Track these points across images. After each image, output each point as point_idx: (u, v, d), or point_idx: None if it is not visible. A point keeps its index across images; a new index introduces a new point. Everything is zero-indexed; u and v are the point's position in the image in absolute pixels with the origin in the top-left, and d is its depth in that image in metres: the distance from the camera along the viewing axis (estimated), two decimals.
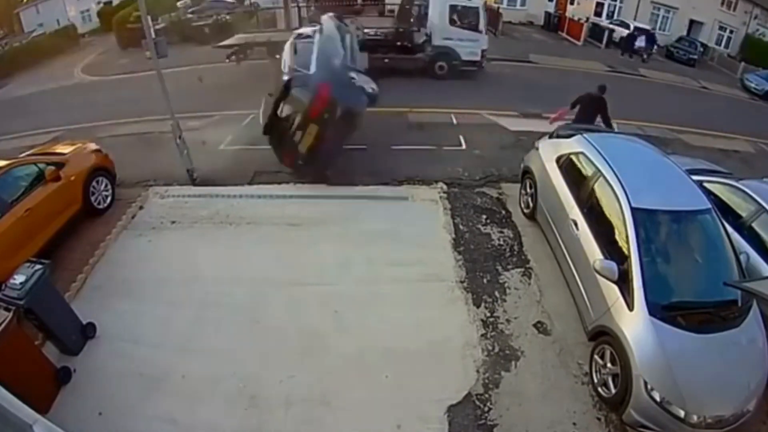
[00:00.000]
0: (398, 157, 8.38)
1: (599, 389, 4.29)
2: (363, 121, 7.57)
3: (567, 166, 5.81)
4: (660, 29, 23.87)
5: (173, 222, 6.67)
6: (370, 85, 7.80)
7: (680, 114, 12.47)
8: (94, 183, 6.69)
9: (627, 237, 4.37)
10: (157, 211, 6.92)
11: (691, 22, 24.78)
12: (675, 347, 3.83)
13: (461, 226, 6.58)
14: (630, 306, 4.09)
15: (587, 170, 5.38)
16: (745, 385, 3.79)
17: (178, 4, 23.67)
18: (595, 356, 4.39)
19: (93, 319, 4.83)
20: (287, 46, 8.64)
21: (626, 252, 4.33)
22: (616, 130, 8.03)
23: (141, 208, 6.98)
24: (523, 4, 24.96)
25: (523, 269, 5.85)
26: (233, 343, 4.75)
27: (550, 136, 6.80)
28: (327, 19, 9.60)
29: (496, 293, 5.47)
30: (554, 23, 23.63)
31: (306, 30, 9.60)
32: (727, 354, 3.87)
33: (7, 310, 3.88)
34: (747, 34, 24.21)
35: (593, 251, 4.72)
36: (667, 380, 3.71)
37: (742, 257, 4.53)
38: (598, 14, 24.42)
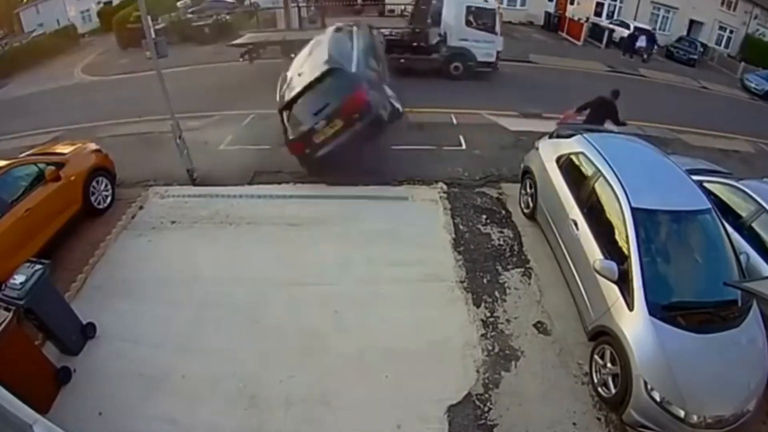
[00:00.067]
0: (398, 157, 8.38)
1: (599, 389, 4.29)
2: (383, 136, 7.55)
3: (567, 166, 5.81)
4: (660, 29, 23.86)
5: (173, 222, 6.67)
6: (397, 102, 7.76)
7: (680, 114, 12.48)
8: (94, 183, 6.69)
9: (627, 237, 4.37)
10: (157, 211, 6.92)
11: (691, 22, 24.77)
12: (675, 347, 3.83)
13: (461, 226, 6.58)
14: (630, 306, 4.09)
15: (587, 170, 5.37)
16: (745, 385, 3.79)
17: (178, 4, 23.69)
18: (595, 356, 4.39)
19: (93, 319, 4.84)
20: (328, 37, 8.44)
21: (626, 252, 4.33)
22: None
23: (141, 208, 6.98)
24: (523, 4, 24.94)
25: (523, 269, 5.84)
26: (233, 343, 4.75)
27: (550, 136, 6.81)
28: (363, 26, 9.51)
29: (496, 293, 5.47)
30: (554, 23, 23.61)
31: (344, 26, 9.46)
32: (727, 354, 3.87)
33: (7, 310, 3.88)
34: (747, 34, 24.21)
35: (593, 251, 4.72)
36: (667, 380, 3.71)
37: (742, 257, 4.53)
38: (598, 14, 24.41)
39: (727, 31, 24.76)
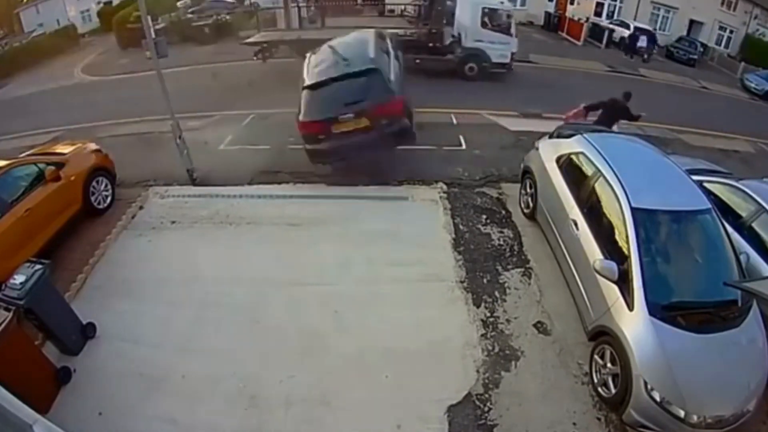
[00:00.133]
0: (398, 157, 8.37)
1: (599, 389, 4.29)
2: (394, 152, 7.57)
3: (567, 166, 5.81)
4: (660, 29, 23.85)
5: (173, 222, 6.67)
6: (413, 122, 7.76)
7: (680, 114, 12.48)
8: (94, 183, 6.70)
9: (627, 237, 4.36)
10: (157, 211, 6.92)
11: (691, 22, 24.76)
12: (675, 347, 3.82)
13: (461, 226, 6.58)
14: (630, 306, 4.09)
15: (587, 170, 5.37)
16: (745, 385, 3.78)
17: (178, 4, 23.71)
18: (595, 356, 4.39)
19: (93, 319, 4.84)
20: (372, 38, 8.27)
21: (626, 252, 4.32)
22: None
23: (141, 208, 6.99)
24: (523, 4, 24.91)
25: (523, 269, 5.84)
26: (233, 343, 4.75)
27: (550, 136, 6.81)
28: (391, 37, 9.37)
29: (496, 293, 5.46)
30: (554, 23, 23.61)
31: (381, 32, 9.27)
32: (727, 354, 3.87)
33: (7, 310, 3.89)
34: (747, 34, 24.19)
35: (593, 251, 4.72)
36: (667, 380, 3.71)
37: (742, 257, 4.53)
38: (598, 14, 24.40)
39: (727, 31, 24.75)
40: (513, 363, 4.63)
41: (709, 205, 4.71)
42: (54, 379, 4.25)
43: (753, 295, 4.01)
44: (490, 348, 4.76)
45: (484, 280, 5.63)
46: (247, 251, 6.04)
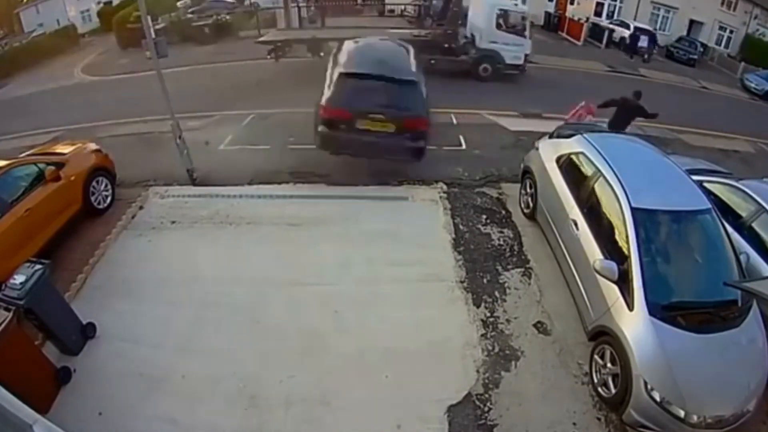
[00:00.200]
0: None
1: (599, 389, 4.29)
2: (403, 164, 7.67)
3: (567, 166, 5.81)
4: (660, 29, 23.88)
5: (173, 222, 6.67)
6: None
7: (680, 114, 12.47)
8: (94, 183, 6.69)
9: (627, 237, 4.37)
10: (157, 211, 6.92)
11: (691, 22, 24.78)
12: (675, 347, 3.83)
13: (461, 226, 6.58)
14: (630, 306, 4.09)
15: (587, 170, 5.37)
16: (745, 385, 3.79)
17: (178, 4, 23.72)
18: (595, 356, 4.39)
19: (93, 319, 4.83)
20: (411, 52, 8.28)
21: (626, 252, 4.33)
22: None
23: (141, 208, 6.98)
24: (523, 3, 24.93)
25: (523, 269, 5.84)
26: (233, 343, 4.75)
27: (550, 136, 6.81)
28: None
29: (496, 293, 5.46)
30: (554, 23, 23.64)
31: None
32: (727, 354, 3.87)
33: (7, 310, 3.88)
34: (747, 34, 24.21)
35: (593, 251, 4.72)
36: (667, 380, 3.71)
37: (742, 257, 4.53)
38: (598, 14, 24.43)
39: (727, 31, 24.76)
40: (513, 363, 4.63)
41: (709, 205, 4.72)
42: (54, 379, 4.24)
43: (753, 295, 4.01)
44: (490, 348, 4.76)
45: (484, 280, 5.63)
46: (247, 251, 6.04)
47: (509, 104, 11.69)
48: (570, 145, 5.93)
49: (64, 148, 6.89)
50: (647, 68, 18.94)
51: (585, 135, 5.89)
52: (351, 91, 6.90)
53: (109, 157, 7.27)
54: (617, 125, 8.24)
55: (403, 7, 20.85)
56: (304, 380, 4.39)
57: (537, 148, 6.69)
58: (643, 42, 20.12)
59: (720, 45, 24.76)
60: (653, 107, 8.30)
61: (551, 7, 24.56)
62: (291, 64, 14.12)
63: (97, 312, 4.96)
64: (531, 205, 6.53)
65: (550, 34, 22.93)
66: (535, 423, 4.11)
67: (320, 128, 7.12)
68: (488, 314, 5.17)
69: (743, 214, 5.32)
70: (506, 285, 5.59)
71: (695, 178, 5.21)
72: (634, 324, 4.00)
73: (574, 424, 4.12)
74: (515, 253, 6.13)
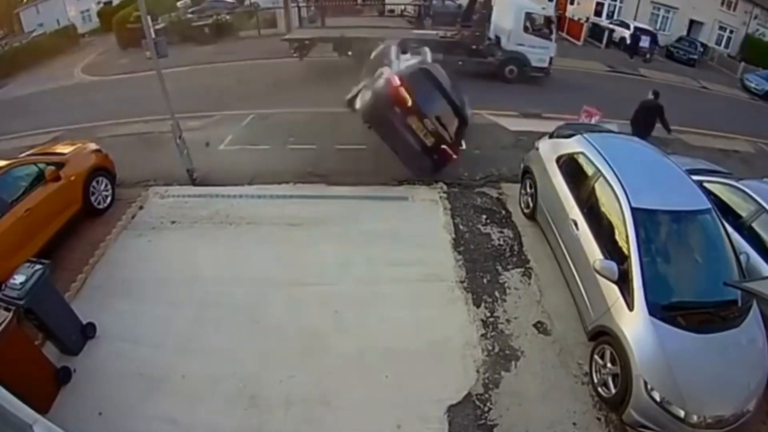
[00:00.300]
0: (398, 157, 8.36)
1: (599, 389, 4.29)
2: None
3: (567, 166, 5.81)
4: (660, 29, 23.85)
5: (173, 222, 6.67)
6: None
7: (680, 114, 12.41)
8: (94, 183, 6.69)
9: (627, 237, 4.37)
10: (157, 211, 6.92)
11: (691, 22, 24.77)
12: (675, 347, 3.83)
13: (461, 226, 6.58)
14: (630, 306, 4.09)
15: (587, 170, 5.37)
16: (745, 385, 3.79)
17: (178, 4, 23.72)
18: (595, 356, 4.39)
19: (93, 319, 4.83)
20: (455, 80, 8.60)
21: (626, 252, 4.32)
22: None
23: (141, 208, 6.98)
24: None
25: (523, 269, 5.84)
26: (233, 343, 4.75)
27: (550, 136, 6.80)
28: None
29: (496, 293, 5.46)
30: None
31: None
32: (727, 354, 3.87)
33: (7, 310, 3.88)
34: (747, 34, 24.19)
35: (593, 251, 4.72)
36: (667, 380, 3.71)
37: (742, 257, 4.53)
38: (598, 14, 24.44)
39: (727, 31, 24.74)
40: (513, 363, 4.63)
41: (709, 205, 4.71)
42: (54, 379, 4.25)
43: (753, 295, 4.01)
44: (490, 348, 4.76)
45: (484, 280, 5.63)
46: (247, 251, 6.04)
47: (510, 105, 11.68)
48: (570, 145, 5.92)
49: (64, 148, 6.89)
50: (647, 68, 18.92)
51: (585, 135, 5.89)
52: (423, 88, 7.22)
53: (109, 157, 7.28)
54: (638, 125, 8.27)
55: (403, 7, 20.84)
56: (304, 380, 4.39)
57: (537, 148, 6.69)
58: (645, 42, 20.12)
59: (720, 45, 24.74)
60: None
61: (551, 7, 24.52)
62: (294, 64, 14.12)
63: (97, 312, 4.97)
64: (531, 205, 6.53)
65: None
66: (535, 423, 4.11)
67: (375, 101, 7.14)
68: (488, 314, 5.17)
69: (743, 214, 5.32)
70: (506, 285, 5.59)
71: (695, 178, 5.21)
72: (634, 324, 4.00)
73: (574, 424, 4.12)
74: (515, 253, 6.13)
